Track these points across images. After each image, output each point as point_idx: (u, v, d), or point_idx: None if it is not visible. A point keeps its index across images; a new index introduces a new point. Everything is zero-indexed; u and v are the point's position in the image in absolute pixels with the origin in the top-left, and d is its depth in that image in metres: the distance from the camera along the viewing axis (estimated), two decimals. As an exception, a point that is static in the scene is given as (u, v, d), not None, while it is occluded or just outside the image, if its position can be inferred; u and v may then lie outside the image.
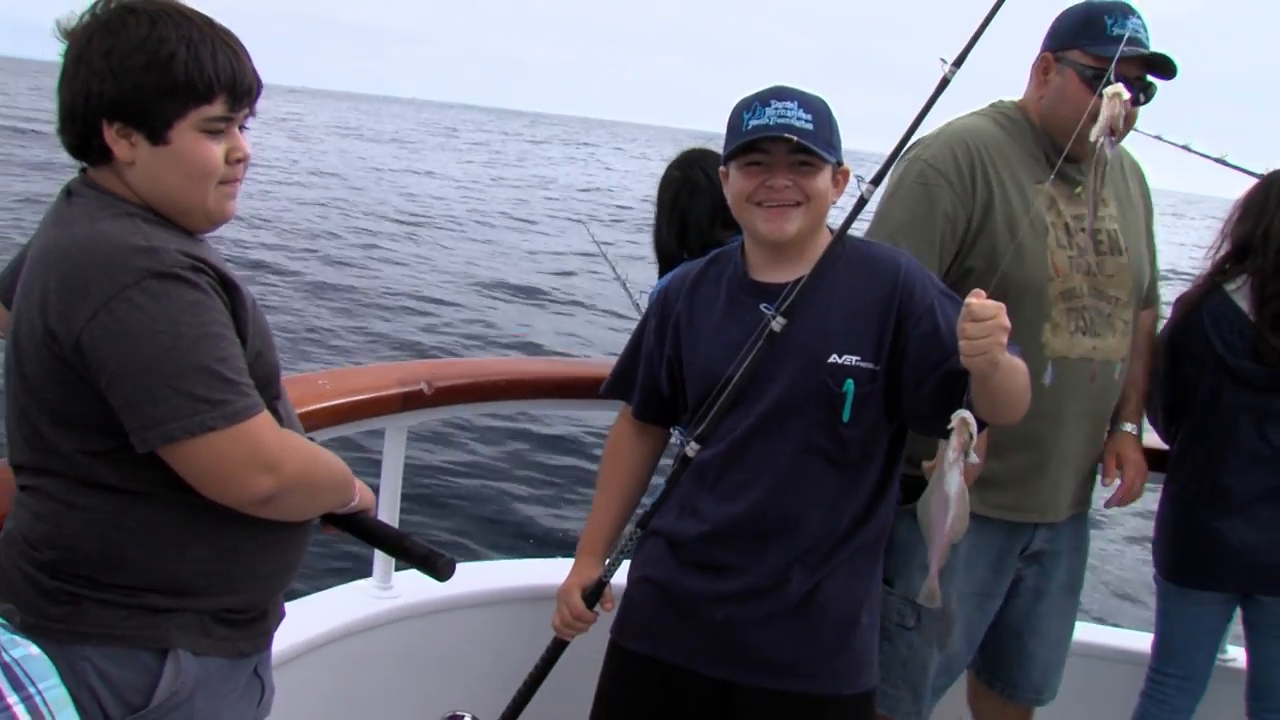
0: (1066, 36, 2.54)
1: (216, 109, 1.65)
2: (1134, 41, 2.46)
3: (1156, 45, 2.52)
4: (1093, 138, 2.14)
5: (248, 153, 1.72)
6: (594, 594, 2.33)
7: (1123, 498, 2.80)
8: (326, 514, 1.88)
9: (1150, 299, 2.85)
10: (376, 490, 2.70)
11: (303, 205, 22.51)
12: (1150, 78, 2.52)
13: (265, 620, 1.82)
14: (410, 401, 2.72)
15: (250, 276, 13.25)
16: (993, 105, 2.67)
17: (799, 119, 2.13)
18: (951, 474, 1.92)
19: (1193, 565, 2.91)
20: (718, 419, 2.18)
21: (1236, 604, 2.98)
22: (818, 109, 2.16)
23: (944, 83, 2.23)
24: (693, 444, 2.20)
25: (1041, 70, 2.58)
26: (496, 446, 8.27)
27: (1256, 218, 2.86)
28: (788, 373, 2.15)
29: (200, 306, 1.57)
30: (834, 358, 2.16)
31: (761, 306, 2.14)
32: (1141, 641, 3.20)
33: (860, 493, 2.23)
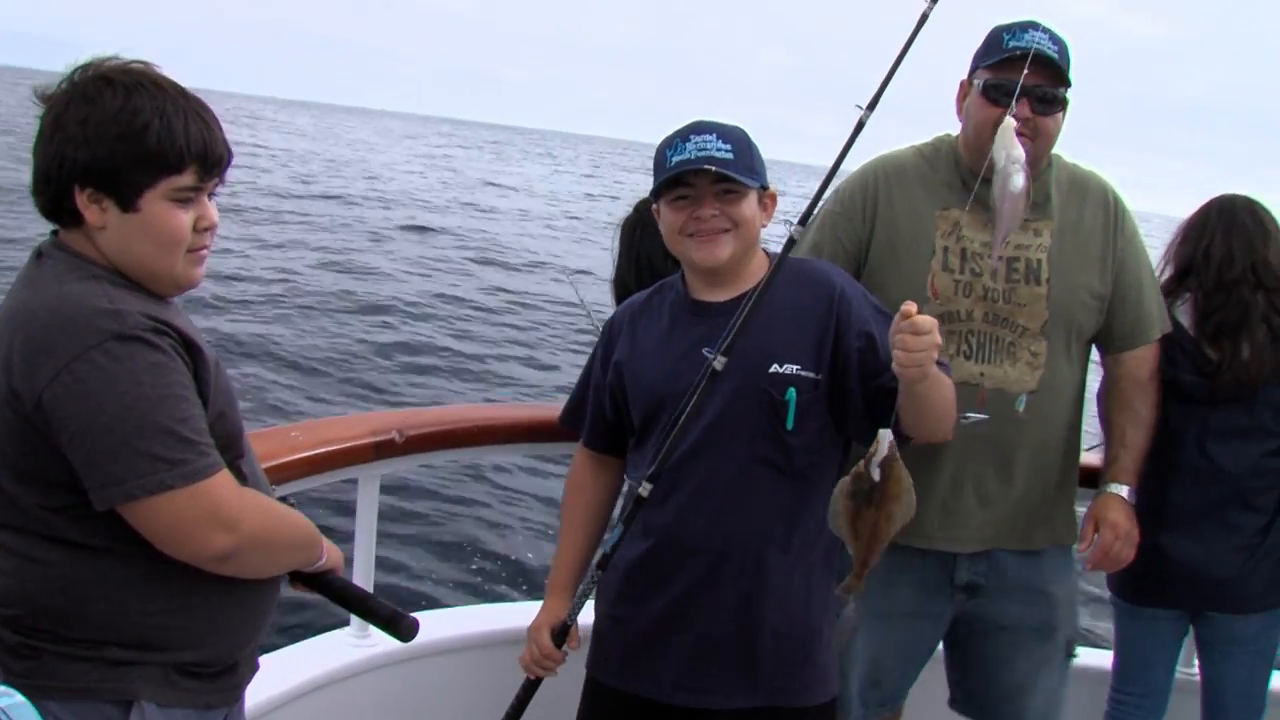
0: (975, 59, 2.58)
1: (187, 179, 1.70)
2: (1031, 50, 2.45)
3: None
4: (998, 167, 2.27)
5: (215, 221, 1.77)
6: (561, 634, 2.36)
7: (1097, 562, 2.68)
8: (294, 572, 1.91)
9: (1134, 337, 2.71)
10: (350, 538, 2.76)
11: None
12: (1050, 89, 2.49)
13: (234, 674, 1.84)
14: (383, 450, 2.75)
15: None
16: (934, 137, 2.74)
17: (719, 150, 2.22)
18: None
19: (1142, 582, 2.94)
20: (668, 456, 2.21)
21: (1189, 621, 3.02)
22: (736, 138, 2.25)
23: (859, 126, 2.30)
24: (645, 484, 2.22)
25: (960, 97, 2.62)
26: (472, 490, 8.27)
27: (1196, 240, 2.96)
28: (730, 386, 2.19)
29: (162, 368, 1.61)
30: (775, 367, 2.22)
31: (704, 351, 2.19)
32: (1102, 659, 3.25)
33: (812, 504, 2.26)
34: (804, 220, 2.35)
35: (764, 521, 2.25)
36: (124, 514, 1.62)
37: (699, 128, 2.26)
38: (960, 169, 2.62)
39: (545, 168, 68.93)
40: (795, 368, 2.23)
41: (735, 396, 2.21)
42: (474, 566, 7.15)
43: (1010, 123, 2.30)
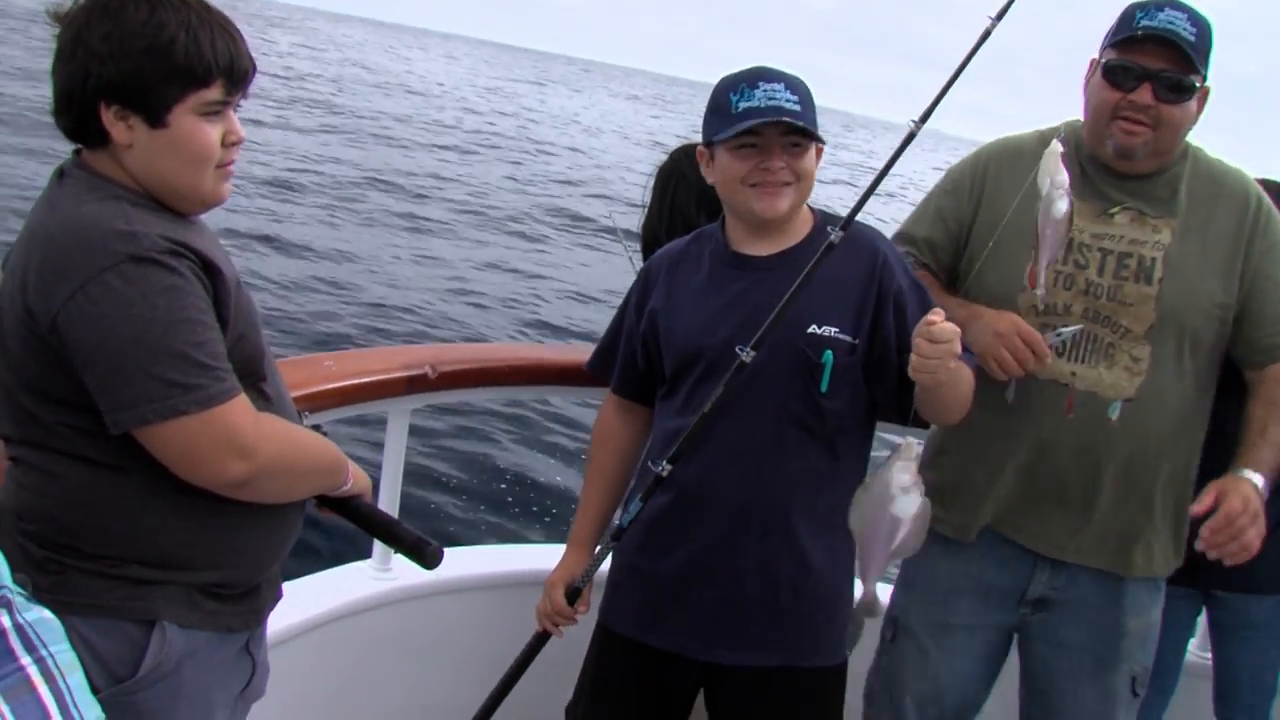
0: (1105, 38, 2.41)
1: (215, 93, 1.67)
2: (1161, 32, 2.28)
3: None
4: (1042, 193, 2.15)
5: (242, 135, 1.75)
6: (574, 594, 2.35)
7: (1214, 534, 2.17)
8: (321, 496, 1.90)
9: (1275, 350, 2.39)
10: (378, 471, 2.74)
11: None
12: (1178, 75, 2.30)
13: (256, 597, 1.84)
14: (415, 385, 2.74)
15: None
16: (1062, 122, 2.55)
17: (788, 100, 2.17)
18: (909, 497, 1.92)
19: None
20: (693, 437, 2.18)
21: (1201, 601, 2.99)
22: (802, 90, 2.20)
23: (909, 138, 2.27)
24: (665, 465, 2.20)
25: (1087, 76, 2.45)
26: (503, 429, 8.29)
27: None
28: (766, 344, 2.16)
29: (177, 291, 1.59)
30: (813, 328, 2.19)
31: (737, 349, 2.14)
32: None
33: (841, 468, 2.25)
34: (845, 226, 2.22)
35: (792, 482, 2.22)
36: (138, 437, 1.61)
37: (766, 74, 2.21)
38: (1080, 155, 2.44)
39: (626, 105, 67.59)
40: (834, 330, 2.19)
41: (771, 354, 2.17)
42: (500, 507, 7.19)
43: (1056, 147, 2.16)
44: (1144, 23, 2.30)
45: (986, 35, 2.27)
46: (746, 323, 2.16)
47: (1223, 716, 3.04)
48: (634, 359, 2.43)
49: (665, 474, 2.20)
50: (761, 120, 2.15)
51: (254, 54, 1.75)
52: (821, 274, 2.17)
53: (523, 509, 7.21)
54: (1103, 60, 2.37)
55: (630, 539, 2.32)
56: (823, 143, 2.24)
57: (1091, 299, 2.38)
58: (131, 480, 1.66)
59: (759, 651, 2.26)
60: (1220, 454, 2.40)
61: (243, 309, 1.73)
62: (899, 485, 1.91)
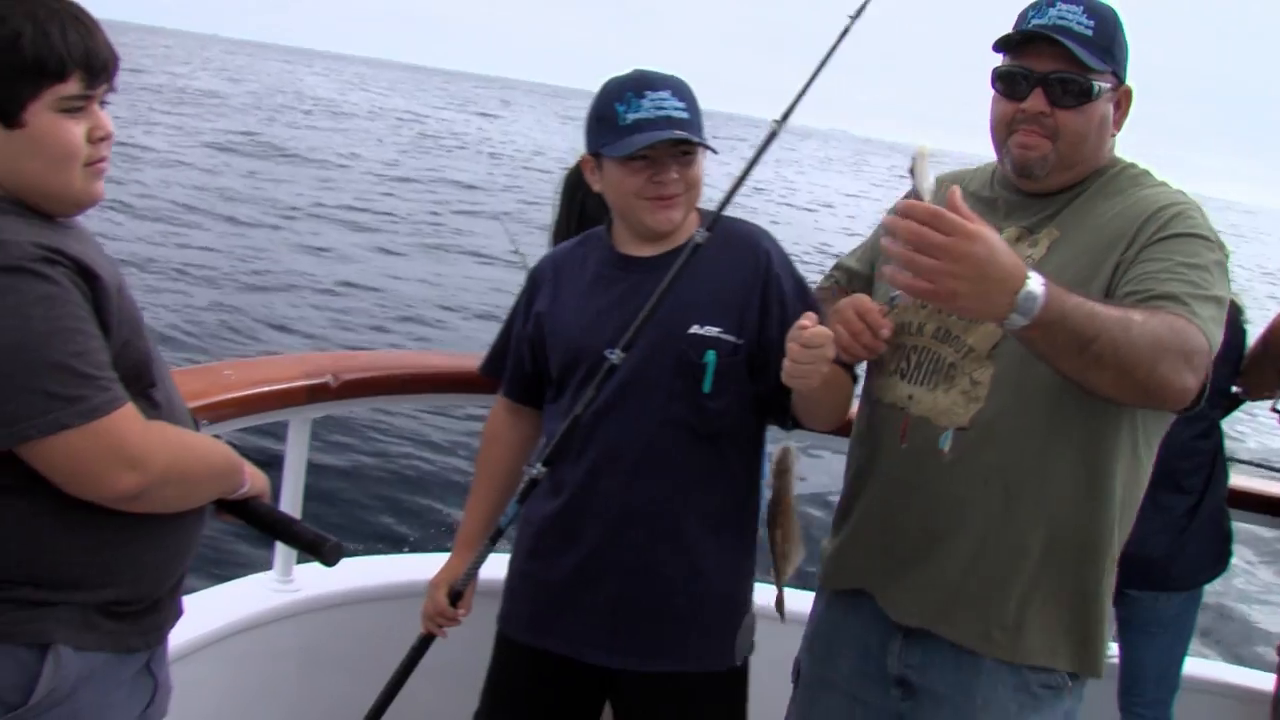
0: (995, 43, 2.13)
1: (72, 87, 1.60)
2: (1049, 30, 2.01)
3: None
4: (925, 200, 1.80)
5: (111, 130, 1.67)
6: (456, 596, 2.34)
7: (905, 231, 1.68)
8: (219, 500, 1.86)
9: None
10: (279, 483, 2.72)
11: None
12: (1074, 76, 2.00)
13: (157, 613, 1.78)
14: (316, 394, 2.71)
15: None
16: None
17: (676, 109, 2.18)
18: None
19: None
20: (566, 437, 2.17)
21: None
22: (688, 95, 2.21)
23: (771, 136, 2.23)
24: (539, 468, 2.18)
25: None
26: (407, 437, 8.22)
27: None
28: (647, 343, 2.15)
29: (52, 300, 1.53)
30: (695, 328, 2.19)
31: (606, 353, 2.13)
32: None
33: (729, 469, 2.26)
34: (711, 226, 2.18)
35: (677, 484, 2.22)
36: (23, 455, 1.54)
37: (650, 81, 2.21)
38: (995, 179, 2.19)
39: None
40: (716, 330, 2.19)
41: (652, 355, 2.17)
42: (404, 515, 7.13)
43: (925, 149, 1.88)
44: (1034, 21, 2.04)
45: (845, 33, 2.23)
46: (628, 325, 2.14)
47: (1128, 711, 3.11)
48: (523, 362, 2.43)
49: (539, 476, 2.18)
50: (655, 138, 2.15)
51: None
52: (705, 273, 2.17)
53: (428, 517, 7.16)
54: (993, 68, 2.10)
55: (522, 544, 2.32)
56: (714, 150, 2.25)
57: (944, 316, 2.07)
58: (19, 500, 1.59)
59: (653, 656, 2.26)
60: None
61: (125, 314, 1.66)
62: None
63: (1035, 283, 1.65)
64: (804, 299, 2.26)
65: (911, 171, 1.78)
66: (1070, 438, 1.97)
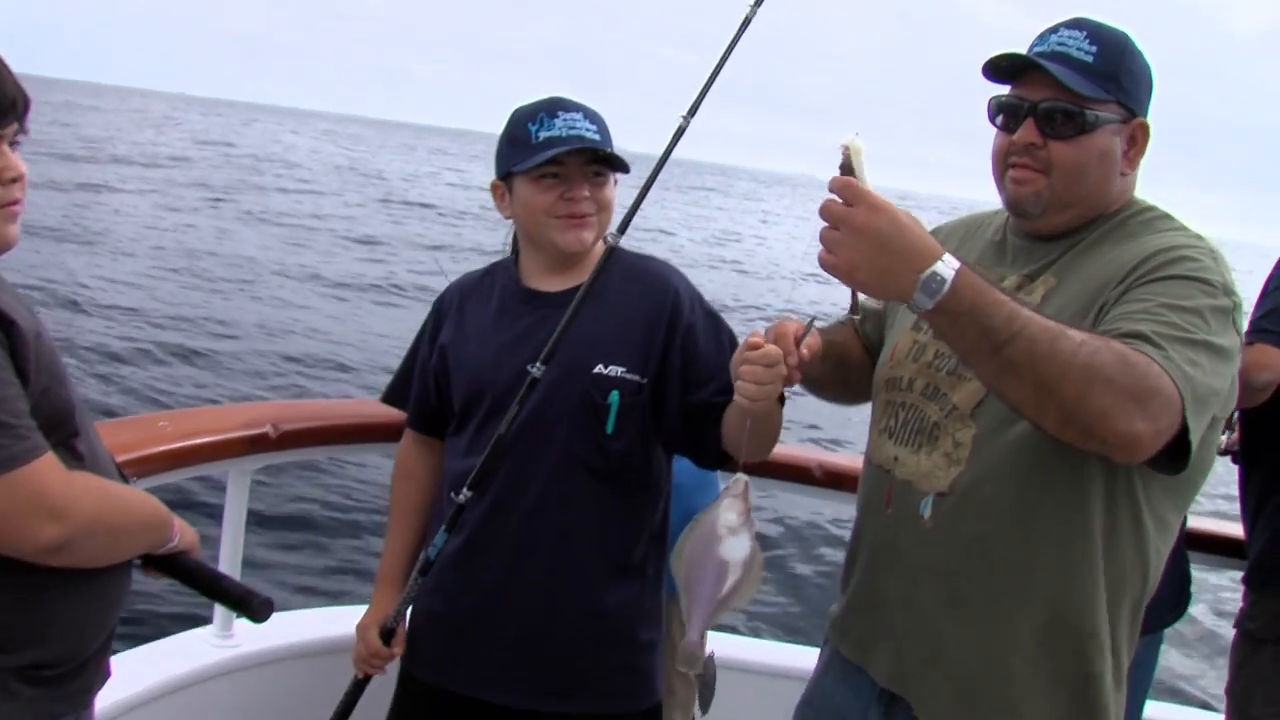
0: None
1: None
2: (1046, 56, 1.87)
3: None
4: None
5: (22, 171, 1.63)
6: (389, 634, 2.30)
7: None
8: (146, 555, 1.81)
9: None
10: (218, 537, 2.67)
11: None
12: (1068, 105, 1.85)
13: (83, 676, 1.72)
14: (255, 445, 2.67)
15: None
16: None
17: (587, 130, 2.19)
18: (739, 538, 1.77)
19: None
20: (489, 463, 2.15)
21: None
22: (599, 120, 2.22)
23: (679, 132, 2.16)
24: (465, 492, 2.16)
25: None
26: (349, 486, 8.11)
27: None
28: (551, 383, 2.13)
29: None
30: (599, 368, 2.18)
31: (529, 368, 2.10)
32: None
33: (633, 509, 2.25)
34: (623, 229, 2.20)
35: (579, 524, 2.21)
36: None
37: (564, 104, 2.22)
38: (1006, 222, 2.05)
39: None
40: (620, 369, 2.19)
41: (555, 395, 2.16)
42: (350, 565, 7.02)
43: (858, 144, 1.66)
44: (1034, 49, 1.91)
45: (746, 22, 2.17)
46: (532, 361, 2.11)
47: None
48: (427, 393, 2.40)
49: (465, 501, 2.15)
50: (566, 149, 2.15)
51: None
52: (610, 310, 2.17)
53: (374, 566, 7.05)
54: (988, 99, 1.97)
55: (426, 583, 2.28)
56: (625, 170, 2.24)
57: (933, 372, 1.95)
58: None
59: (557, 696, 2.23)
60: None
61: (45, 361, 1.60)
62: (725, 525, 1.75)
63: (946, 266, 1.57)
64: (715, 330, 2.26)
65: (841, 168, 1.66)
66: (1050, 505, 1.81)
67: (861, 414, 2.16)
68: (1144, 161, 1.95)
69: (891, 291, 1.61)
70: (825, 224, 1.60)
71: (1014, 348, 1.56)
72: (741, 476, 1.79)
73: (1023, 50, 1.91)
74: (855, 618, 2.07)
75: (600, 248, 2.26)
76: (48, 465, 1.54)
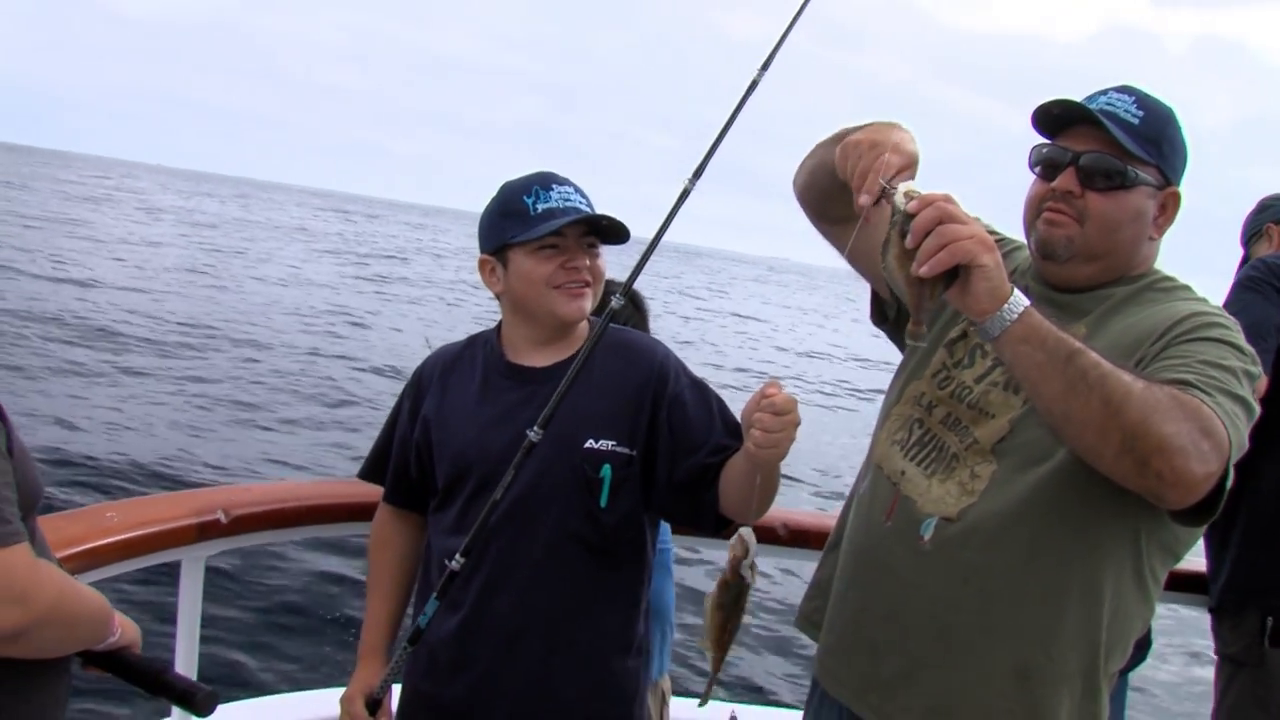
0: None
1: None
2: (1095, 113, 1.92)
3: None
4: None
5: None
6: (374, 705, 2.25)
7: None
8: (85, 652, 1.78)
9: None
10: (173, 630, 2.63)
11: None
12: (1111, 159, 1.91)
13: None
14: (207, 531, 2.61)
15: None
16: None
17: (581, 203, 2.21)
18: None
19: None
20: (482, 529, 2.11)
21: None
22: (586, 194, 2.24)
23: (684, 194, 2.17)
24: (458, 559, 2.12)
25: None
26: (306, 567, 7.97)
27: None
28: (542, 459, 2.11)
29: None
30: (590, 442, 2.17)
31: (527, 432, 2.07)
32: None
33: (625, 582, 2.24)
34: (627, 292, 2.19)
35: (574, 599, 2.19)
36: None
37: (555, 178, 2.24)
38: (1030, 272, 2.09)
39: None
40: (611, 443, 2.18)
41: (547, 470, 2.15)
42: (309, 651, 6.87)
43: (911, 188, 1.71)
44: (1086, 103, 1.96)
45: (753, 86, 2.16)
46: (520, 438, 2.09)
47: None
48: (406, 467, 2.37)
49: (458, 568, 2.10)
50: (568, 219, 2.16)
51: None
52: (598, 384, 2.17)
53: (333, 653, 6.92)
54: (1031, 148, 2.02)
55: (417, 663, 2.25)
56: (622, 240, 2.24)
57: (955, 403, 2.00)
58: None
59: None
60: None
61: (18, 445, 1.61)
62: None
63: (1020, 299, 1.66)
64: (702, 396, 2.25)
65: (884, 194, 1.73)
66: (1060, 550, 1.84)
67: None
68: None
69: (1000, 291, 1.64)
70: (924, 226, 1.63)
71: (1086, 357, 1.61)
72: (746, 531, 1.83)
73: (1077, 99, 1.96)
74: (835, 622, 2.08)
75: (584, 325, 2.29)
76: (21, 551, 1.52)
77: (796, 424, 1.86)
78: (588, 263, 2.21)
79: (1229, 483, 1.66)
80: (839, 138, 1.94)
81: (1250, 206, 3.32)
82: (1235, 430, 1.66)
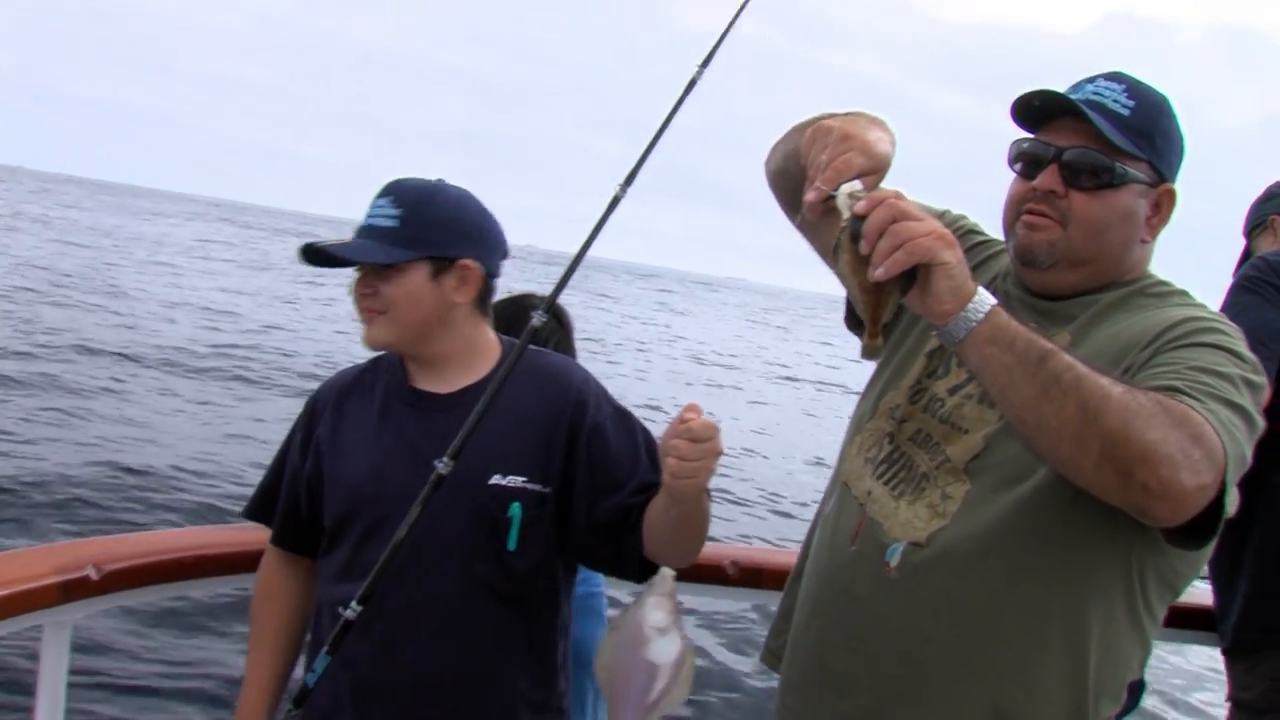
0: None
1: None
2: (1081, 103, 1.76)
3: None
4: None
5: None
6: None
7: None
8: None
9: None
10: (33, 704, 2.34)
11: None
12: (1097, 155, 1.76)
13: None
14: (73, 591, 2.30)
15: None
16: None
17: (384, 218, 2.03)
18: (668, 639, 1.62)
19: None
20: (382, 573, 1.89)
21: None
22: (412, 200, 2.04)
23: (614, 202, 2.03)
24: (354, 606, 1.89)
25: None
26: (188, 624, 7.46)
27: None
28: (444, 497, 1.90)
29: None
30: (497, 478, 1.99)
31: (435, 463, 1.86)
32: None
33: (539, 631, 2.05)
34: (550, 309, 2.02)
35: (481, 652, 1.99)
36: None
37: (384, 189, 2.06)
38: (1009, 279, 1.95)
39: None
40: (520, 479, 2.00)
41: (447, 510, 1.94)
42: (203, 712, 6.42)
43: (853, 187, 1.59)
44: (1070, 95, 1.81)
45: (692, 84, 2.04)
46: (418, 474, 1.89)
47: None
48: (296, 505, 2.16)
49: (353, 617, 1.87)
50: (343, 255, 2.02)
51: None
52: (507, 415, 1.96)
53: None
54: (1010, 143, 1.87)
55: None
56: (446, 259, 2.03)
57: (927, 417, 1.85)
58: None
59: None
60: None
61: None
62: (653, 625, 1.61)
63: (986, 297, 1.54)
64: (626, 427, 2.07)
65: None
66: (1042, 579, 1.69)
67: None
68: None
69: (964, 291, 1.52)
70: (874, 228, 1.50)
71: (1059, 359, 1.48)
72: (667, 571, 1.63)
73: (1061, 89, 1.80)
74: (797, 655, 1.92)
75: (492, 341, 2.10)
76: None
77: (717, 454, 1.74)
78: (366, 291, 2.04)
79: (1229, 501, 1.51)
80: (816, 121, 1.78)
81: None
82: (1232, 440, 1.50)
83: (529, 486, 2.02)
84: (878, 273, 1.47)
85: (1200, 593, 2.88)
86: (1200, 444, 1.45)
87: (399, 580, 1.96)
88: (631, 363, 26.64)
